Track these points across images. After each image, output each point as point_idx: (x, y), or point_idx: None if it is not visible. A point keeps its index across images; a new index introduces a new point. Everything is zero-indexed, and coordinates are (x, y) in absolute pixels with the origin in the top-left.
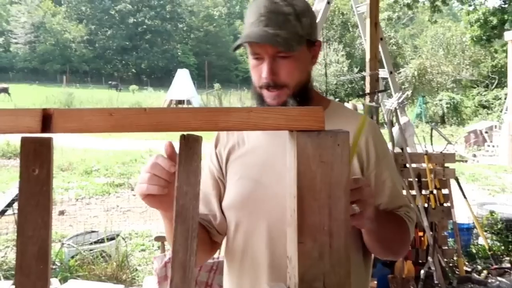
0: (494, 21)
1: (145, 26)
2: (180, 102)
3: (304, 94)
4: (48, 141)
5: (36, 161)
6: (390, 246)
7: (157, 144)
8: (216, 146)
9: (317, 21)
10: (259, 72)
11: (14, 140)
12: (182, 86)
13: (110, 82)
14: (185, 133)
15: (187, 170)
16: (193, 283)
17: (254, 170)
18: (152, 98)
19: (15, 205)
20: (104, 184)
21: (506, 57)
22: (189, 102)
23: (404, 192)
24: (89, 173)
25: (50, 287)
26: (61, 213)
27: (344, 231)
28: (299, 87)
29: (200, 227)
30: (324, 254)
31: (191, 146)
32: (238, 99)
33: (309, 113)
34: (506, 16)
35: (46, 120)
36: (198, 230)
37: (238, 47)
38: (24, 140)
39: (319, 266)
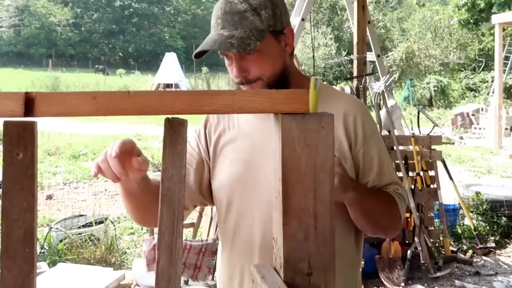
0: (482, 4)
1: (131, 10)
2: (168, 85)
3: (282, 82)
4: (32, 125)
5: (19, 145)
6: (377, 221)
7: (145, 128)
8: (206, 126)
9: (304, 4)
10: (232, 71)
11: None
12: (170, 70)
13: (97, 66)
14: (170, 116)
15: (172, 153)
16: (179, 264)
17: (245, 152)
18: (140, 82)
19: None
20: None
21: (493, 40)
22: (177, 85)
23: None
24: (77, 157)
25: (38, 270)
26: (49, 197)
27: (329, 213)
28: (274, 77)
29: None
30: (309, 235)
31: (176, 129)
32: (226, 82)
33: (294, 96)
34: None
35: (29, 103)
36: (156, 191)
37: (200, 54)
38: (7, 124)
39: (304, 248)
